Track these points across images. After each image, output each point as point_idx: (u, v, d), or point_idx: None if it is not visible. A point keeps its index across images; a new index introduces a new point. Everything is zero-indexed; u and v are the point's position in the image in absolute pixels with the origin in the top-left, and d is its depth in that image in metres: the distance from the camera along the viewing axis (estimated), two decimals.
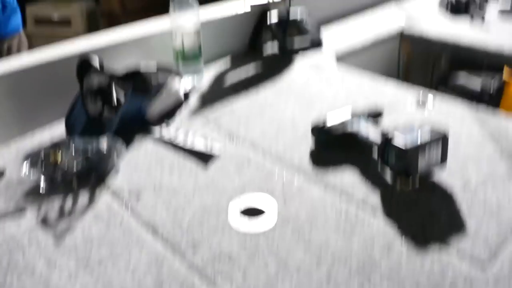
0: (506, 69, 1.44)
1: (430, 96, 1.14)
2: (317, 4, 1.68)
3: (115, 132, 0.95)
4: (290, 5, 1.48)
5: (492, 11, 1.81)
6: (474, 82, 1.49)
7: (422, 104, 1.11)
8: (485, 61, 1.51)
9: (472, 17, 1.70)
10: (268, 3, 1.43)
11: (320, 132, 0.93)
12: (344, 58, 1.48)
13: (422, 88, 1.45)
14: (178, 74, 1.13)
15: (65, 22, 4.46)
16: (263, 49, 1.47)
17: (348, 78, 1.26)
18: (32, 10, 4.43)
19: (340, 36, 1.59)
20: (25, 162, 0.86)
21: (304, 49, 1.44)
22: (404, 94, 1.16)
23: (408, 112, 1.08)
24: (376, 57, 1.66)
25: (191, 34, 1.16)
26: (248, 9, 1.43)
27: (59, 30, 4.45)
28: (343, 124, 0.93)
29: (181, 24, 1.16)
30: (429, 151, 0.77)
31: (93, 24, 4.68)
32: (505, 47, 1.46)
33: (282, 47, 1.41)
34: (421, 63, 1.93)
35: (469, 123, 1.03)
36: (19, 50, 2.42)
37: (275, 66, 1.35)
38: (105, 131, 0.95)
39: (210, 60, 1.36)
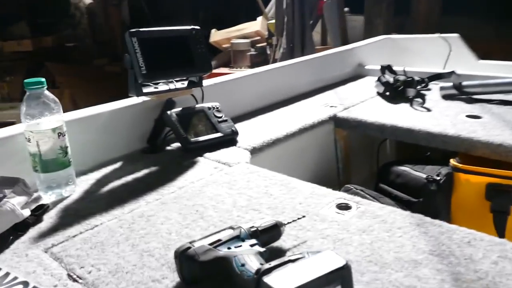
0: (452, 159, 1.22)
1: (355, 198, 0.90)
2: (237, 96, 1.50)
3: None
4: (203, 96, 1.28)
5: (434, 92, 1.66)
6: (419, 174, 1.26)
7: (340, 210, 0.86)
8: (428, 145, 1.30)
9: (411, 101, 1.53)
10: (171, 92, 1.22)
11: (184, 261, 0.66)
12: (267, 149, 1.26)
13: (359, 184, 1.24)
14: (25, 187, 0.87)
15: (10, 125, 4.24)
16: (164, 146, 1.23)
17: (256, 178, 1.01)
18: None
19: (261, 128, 1.37)
20: None
21: (214, 144, 1.21)
22: (321, 197, 0.91)
23: (322, 222, 0.82)
24: (306, 145, 1.44)
25: (49, 135, 0.92)
26: (147, 101, 1.22)
27: None
28: (217, 246, 0.66)
29: (35, 124, 0.92)
30: None
31: None
32: (448, 130, 1.26)
33: (185, 143, 1.18)
34: (363, 148, 1.72)
35: (406, 231, 0.77)
36: None
37: (174, 167, 1.10)
38: None
39: (97, 164, 1.11)
